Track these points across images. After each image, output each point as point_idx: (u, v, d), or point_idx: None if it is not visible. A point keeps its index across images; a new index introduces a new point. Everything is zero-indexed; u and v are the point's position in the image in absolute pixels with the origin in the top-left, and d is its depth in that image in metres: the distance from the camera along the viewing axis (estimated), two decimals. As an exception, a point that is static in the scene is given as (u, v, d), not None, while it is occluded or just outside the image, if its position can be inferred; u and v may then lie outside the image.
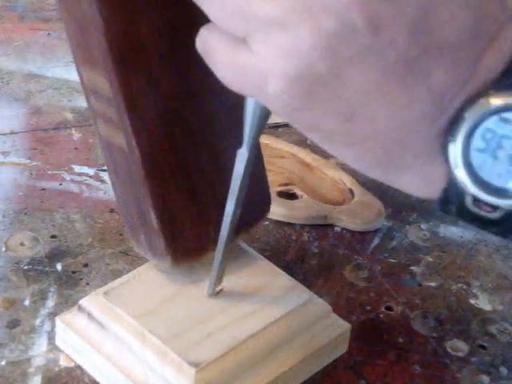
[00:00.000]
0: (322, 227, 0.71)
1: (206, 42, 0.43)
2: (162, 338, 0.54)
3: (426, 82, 0.40)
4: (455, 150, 0.41)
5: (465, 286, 0.67)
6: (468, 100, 0.41)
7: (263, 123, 0.49)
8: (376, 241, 0.70)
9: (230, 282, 0.58)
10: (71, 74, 0.85)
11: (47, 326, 0.60)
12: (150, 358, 0.54)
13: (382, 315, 0.64)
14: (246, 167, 0.51)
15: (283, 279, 0.60)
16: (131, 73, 0.52)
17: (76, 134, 0.79)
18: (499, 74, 0.41)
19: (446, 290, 0.66)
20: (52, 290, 0.63)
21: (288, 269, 0.64)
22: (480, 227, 0.43)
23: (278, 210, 0.70)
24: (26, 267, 0.64)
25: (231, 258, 0.59)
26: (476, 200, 0.42)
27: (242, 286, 0.59)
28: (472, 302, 0.65)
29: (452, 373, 0.60)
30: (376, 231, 0.71)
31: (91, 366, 0.57)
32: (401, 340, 0.62)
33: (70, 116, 0.81)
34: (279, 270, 0.61)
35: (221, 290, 0.58)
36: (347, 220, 0.71)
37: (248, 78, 0.42)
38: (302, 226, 0.71)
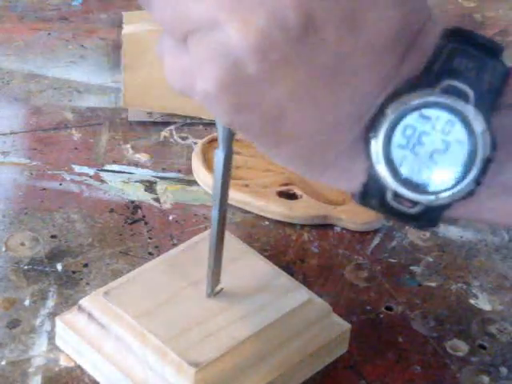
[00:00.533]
0: (322, 227, 0.71)
1: (160, 46, 0.44)
2: (162, 338, 0.54)
3: (352, 82, 0.41)
4: (377, 146, 0.42)
5: (465, 286, 0.67)
6: (390, 97, 0.41)
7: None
8: (376, 241, 0.70)
9: (230, 281, 0.58)
10: (71, 74, 0.85)
11: (47, 326, 0.60)
12: (150, 357, 0.54)
13: (382, 315, 0.64)
14: (225, 167, 0.52)
15: (283, 279, 0.60)
16: None
17: (76, 134, 0.79)
18: (420, 72, 0.41)
19: (445, 290, 0.66)
20: (52, 289, 0.63)
21: (288, 269, 0.64)
22: (399, 221, 0.44)
23: (278, 210, 0.70)
24: (26, 267, 0.65)
25: (230, 259, 0.59)
26: (396, 195, 0.42)
27: (242, 285, 0.59)
28: (472, 301, 0.65)
29: (452, 373, 0.60)
30: (376, 231, 0.71)
31: (91, 365, 0.57)
32: (401, 340, 0.62)
33: (70, 116, 0.81)
34: (279, 270, 0.61)
35: (221, 289, 0.58)
36: (347, 220, 0.71)
37: (183, 79, 0.42)
38: (302, 226, 0.71)
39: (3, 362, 0.57)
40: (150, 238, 0.68)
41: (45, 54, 0.88)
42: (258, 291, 0.59)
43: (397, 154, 0.42)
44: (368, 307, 0.64)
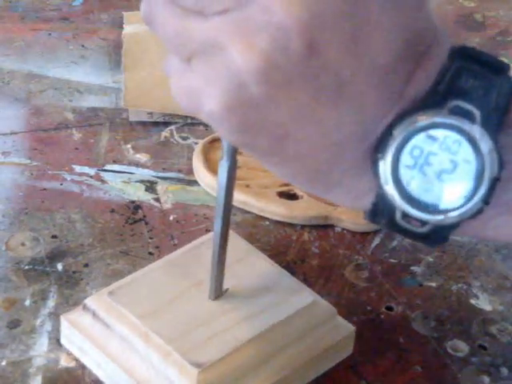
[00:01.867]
0: (322, 227, 0.71)
1: (167, 65, 0.44)
2: (165, 338, 0.54)
3: (356, 104, 0.41)
4: (385, 166, 0.42)
5: (465, 287, 0.67)
6: (397, 118, 0.41)
7: None
8: (376, 241, 0.70)
9: (234, 282, 0.58)
10: (72, 74, 0.85)
11: (48, 326, 0.60)
12: (154, 357, 0.54)
13: (382, 315, 0.64)
14: (229, 177, 0.53)
15: (288, 280, 0.60)
16: None
17: (77, 134, 0.79)
18: (426, 93, 0.42)
19: (446, 291, 0.66)
20: (52, 290, 0.63)
21: (288, 269, 0.64)
22: (409, 239, 0.45)
23: (278, 210, 0.70)
24: (26, 267, 0.65)
25: (235, 259, 0.59)
26: (405, 215, 0.42)
27: (246, 287, 0.59)
28: (472, 302, 0.65)
29: (452, 373, 0.60)
30: (376, 231, 0.71)
31: (95, 365, 0.57)
32: (401, 340, 0.62)
33: (70, 116, 0.81)
34: (284, 271, 0.61)
35: (226, 290, 0.58)
36: (348, 220, 0.71)
37: (190, 99, 0.43)
38: (303, 227, 0.71)
39: (4, 362, 0.57)
40: (150, 238, 0.68)
41: (45, 54, 0.88)
42: (262, 292, 0.59)
43: (405, 174, 0.42)
44: (368, 307, 0.64)
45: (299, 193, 0.73)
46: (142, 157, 0.76)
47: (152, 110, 0.81)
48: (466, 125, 0.41)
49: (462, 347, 0.62)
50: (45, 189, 0.72)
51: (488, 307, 0.65)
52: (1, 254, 0.66)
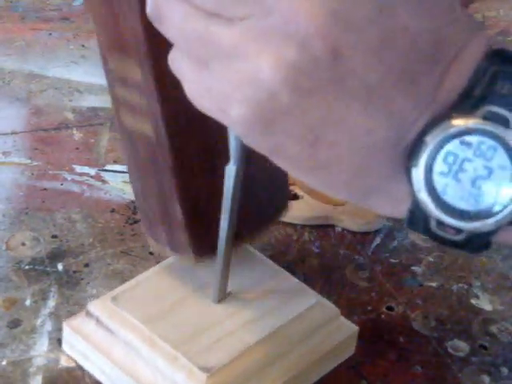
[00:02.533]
0: (322, 227, 0.71)
1: (174, 61, 0.44)
2: (172, 342, 0.54)
3: (386, 108, 0.40)
4: (417, 174, 0.41)
5: (466, 286, 0.67)
6: (429, 124, 0.41)
7: None
8: (377, 241, 0.70)
9: (237, 285, 0.58)
10: (72, 74, 0.85)
11: (48, 326, 0.60)
12: (160, 363, 0.54)
13: (382, 315, 0.64)
14: (235, 182, 0.52)
15: (291, 282, 0.60)
16: (166, 62, 0.49)
17: (77, 134, 0.79)
18: (459, 97, 0.41)
19: (446, 290, 0.66)
20: (53, 289, 0.63)
21: (289, 269, 0.64)
22: (448, 247, 0.43)
23: (278, 210, 0.70)
24: (26, 267, 0.65)
25: (238, 262, 0.58)
26: (440, 223, 0.42)
27: (249, 289, 0.59)
28: (473, 302, 0.65)
29: (453, 373, 0.60)
30: (377, 231, 0.71)
31: (99, 371, 0.56)
32: (402, 340, 0.62)
33: (71, 116, 0.81)
34: (286, 273, 0.61)
35: (229, 293, 0.58)
36: (348, 220, 0.71)
37: (213, 102, 0.42)
38: (303, 226, 0.71)
39: (4, 362, 0.57)
40: (150, 238, 0.68)
41: (46, 53, 0.88)
42: (265, 294, 0.59)
43: (439, 181, 0.41)
44: (369, 307, 0.64)
45: (300, 193, 0.73)
46: (143, 157, 0.76)
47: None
48: (500, 130, 0.40)
49: (462, 347, 0.62)
50: (45, 189, 0.72)
51: (488, 307, 0.65)
52: (1, 253, 0.66)
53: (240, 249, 0.58)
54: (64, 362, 0.58)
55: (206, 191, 0.55)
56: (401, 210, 0.43)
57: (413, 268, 0.68)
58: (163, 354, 0.54)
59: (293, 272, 0.64)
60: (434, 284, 0.67)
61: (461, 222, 0.41)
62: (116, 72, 0.53)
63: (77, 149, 0.77)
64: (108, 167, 0.75)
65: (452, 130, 0.40)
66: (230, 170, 0.52)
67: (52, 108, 0.82)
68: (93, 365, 0.57)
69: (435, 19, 0.41)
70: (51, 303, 0.62)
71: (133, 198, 0.71)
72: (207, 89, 0.42)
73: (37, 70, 0.86)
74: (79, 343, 0.57)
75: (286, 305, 0.58)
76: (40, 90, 0.84)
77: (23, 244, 0.67)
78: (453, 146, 0.41)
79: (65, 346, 0.58)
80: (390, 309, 0.64)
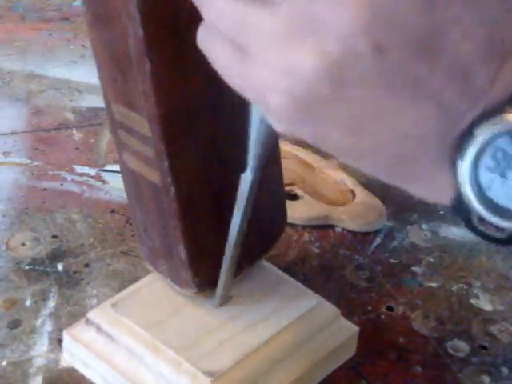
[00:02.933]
0: (323, 228, 0.71)
1: (206, 42, 0.43)
2: (175, 348, 0.54)
3: (435, 100, 0.39)
4: (463, 167, 0.40)
5: (466, 287, 0.67)
6: (480, 117, 0.40)
7: (266, 148, 0.49)
8: (377, 241, 0.70)
9: (238, 289, 0.58)
10: (72, 74, 0.85)
11: (48, 327, 0.60)
12: (164, 368, 0.54)
13: (382, 315, 0.64)
14: (250, 191, 0.51)
15: (291, 285, 0.60)
16: (176, 119, 0.50)
17: (77, 134, 0.79)
18: None
19: (446, 291, 0.66)
20: (53, 290, 0.63)
21: (289, 269, 0.64)
22: (489, 242, 0.43)
23: (278, 211, 0.70)
24: (26, 267, 0.65)
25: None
26: (481, 218, 0.41)
27: (250, 293, 0.59)
28: (473, 302, 0.65)
29: (453, 373, 0.60)
30: (377, 231, 0.71)
31: (101, 379, 0.56)
32: (402, 340, 0.62)
33: (71, 116, 0.81)
34: (286, 276, 0.61)
35: (230, 297, 0.58)
36: (348, 221, 0.71)
37: (251, 86, 0.41)
38: (303, 227, 0.71)
39: (4, 363, 0.57)
40: (150, 239, 0.68)
41: (46, 53, 0.88)
42: (266, 297, 0.58)
43: (485, 176, 0.40)
44: (369, 307, 0.64)
45: (300, 193, 0.73)
46: (143, 157, 0.76)
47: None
48: None
49: (462, 347, 0.62)
50: (45, 189, 0.72)
51: (488, 307, 0.65)
52: (1, 254, 0.66)
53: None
54: (64, 363, 0.58)
55: (212, 235, 0.55)
56: (445, 199, 0.42)
57: (413, 268, 0.68)
58: (166, 360, 0.54)
59: (293, 272, 0.64)
60: (434, 284, 0.67)
61: (503, 221, 0.40)
62: (120, 119, 0.52)
63: (77, 149, 0.77)
64: (108, 167, 0.75)
65: (502, 127, 0.39)
66: (246, 179, 0.51)
67: (52, 108, 0.82)
68: (94, 372, 0.56)
69: (490, 11, 0.39)
70: (51, 303, 0.62)
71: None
72: (245, 74, 0.41)
73: (37, 70, 0.86)
74: (80, 351, 0.57)
75: (287, 307, 0.58)
76: (40, 90, 0.84)
77: (23, 244, 0.67)
78: (503, 142, 0.39)
79: (66, 355, 0.58)
80: (389, 309, 0.64)
